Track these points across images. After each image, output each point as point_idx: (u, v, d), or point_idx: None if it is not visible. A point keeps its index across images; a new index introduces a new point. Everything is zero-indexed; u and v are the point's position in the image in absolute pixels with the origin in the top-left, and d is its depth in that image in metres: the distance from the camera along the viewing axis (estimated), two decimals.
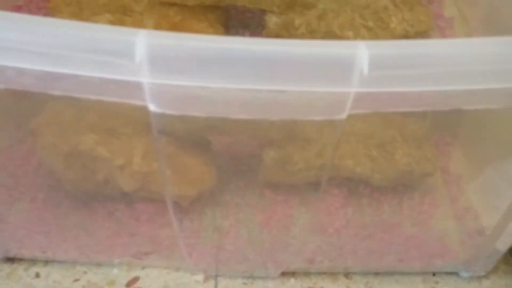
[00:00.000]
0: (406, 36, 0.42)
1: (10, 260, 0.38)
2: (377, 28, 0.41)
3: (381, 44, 0.21)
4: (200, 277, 0.38)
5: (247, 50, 0.20)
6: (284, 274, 0.39)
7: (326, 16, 0.40)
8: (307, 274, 0.39)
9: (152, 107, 0.23)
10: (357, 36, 0.41)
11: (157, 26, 0.37)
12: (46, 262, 0.38)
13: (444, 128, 0.45)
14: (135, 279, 0.38)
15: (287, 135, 0.37)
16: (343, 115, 0.23)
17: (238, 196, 0.39)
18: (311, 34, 0.40)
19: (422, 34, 0.43)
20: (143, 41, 0.20)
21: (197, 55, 0.21)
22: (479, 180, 0.42)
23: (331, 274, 0.39)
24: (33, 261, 0.38)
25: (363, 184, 0.40)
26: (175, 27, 0.37)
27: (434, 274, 0.41)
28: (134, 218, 0.37)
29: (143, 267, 0.38)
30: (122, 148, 0.36)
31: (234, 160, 0.41)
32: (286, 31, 0.40)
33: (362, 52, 0.20)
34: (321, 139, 0.38)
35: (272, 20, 0.39)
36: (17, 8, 0.46)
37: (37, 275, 0.37)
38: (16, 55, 0.21)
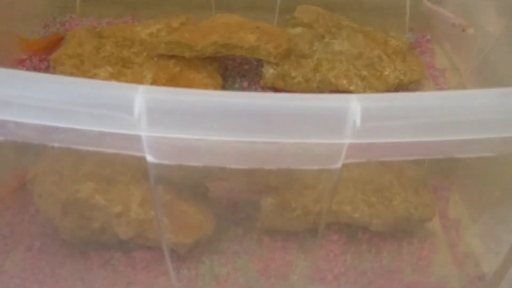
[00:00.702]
0: (400, 84, 0.44)
1: None
2: (371, 77, 0.42)
3: (372, 97, 0.21)
4: None
5: (242, 104, 0.21)
6: None
7: (321, 67, 0.41)
8: None
9: (149, 158, 0.24)
10: (351, 84, 0.42)
11: (156, 77, 0.38)
12: None
13: (442, 173, 0.45)
14: None
15: (285, 182, 0.37)
16: (338, 165, 0.24)
17: (236, 243, 0.39)
18: (307, 82, 0.41)
19: (415, 82, 0.44)
20: (142, 96, 0.21)
21: (193, 109, 0.21)
22: (478, 225, 0.42)
23: None
24: None
25: (362, 230, 0.40)
26: (173, 78, 0.38)
27: None
28: (130, 266, 0.37)
29: None
30: (119, 196, 0.36)
31: (232, 207, 0.41)
32: (283, 81, 0.41)
33: (354, 105, 0.21)
34: (319, 185, 0.38)
35: (269, 71, 0.40)
36: (21, 61, 0.47)
37: None
38: (17, 110, 0.22)
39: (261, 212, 0.38)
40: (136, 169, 0.37)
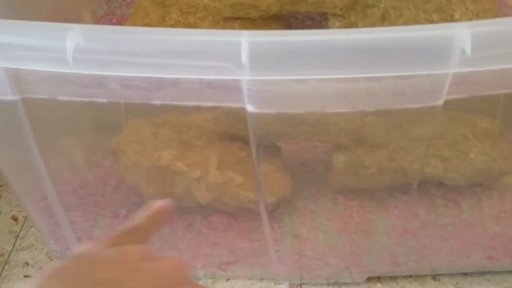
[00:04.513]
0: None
1: None
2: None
3: (481, 23, 0.21)
4: (284, 286, 0.38)
5: (344, 40, 0.21)
6: (370, 279, 0.38)
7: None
8: (393, 278, 0.38)
9: (250, 108, 0.24)
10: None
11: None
12: None
13: None
14: None
15: (355, 140, 0.37)
16: (440, 101, 0.23)
17: (311, 202, 0.39)
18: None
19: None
20: (247, 40, 0.21)
21: (296, 48, 0.21)
22: None
23: (418, 277, 0.38)
24: None
25: (434, 186, 0.39)
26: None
27: None
28: (211, 229, 0.38)
29: (227, 279, 0.38)
30: (198, 160, 0.37)
31: (304, 166, 0.41)
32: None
33: (462, 32, 0.20)
34: (390, 144, 0.37)
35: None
36: None
37: None
38: (120, 65, 0.23)
39: (333, 170, 0.37)
40: (211, 132, 0.38)
